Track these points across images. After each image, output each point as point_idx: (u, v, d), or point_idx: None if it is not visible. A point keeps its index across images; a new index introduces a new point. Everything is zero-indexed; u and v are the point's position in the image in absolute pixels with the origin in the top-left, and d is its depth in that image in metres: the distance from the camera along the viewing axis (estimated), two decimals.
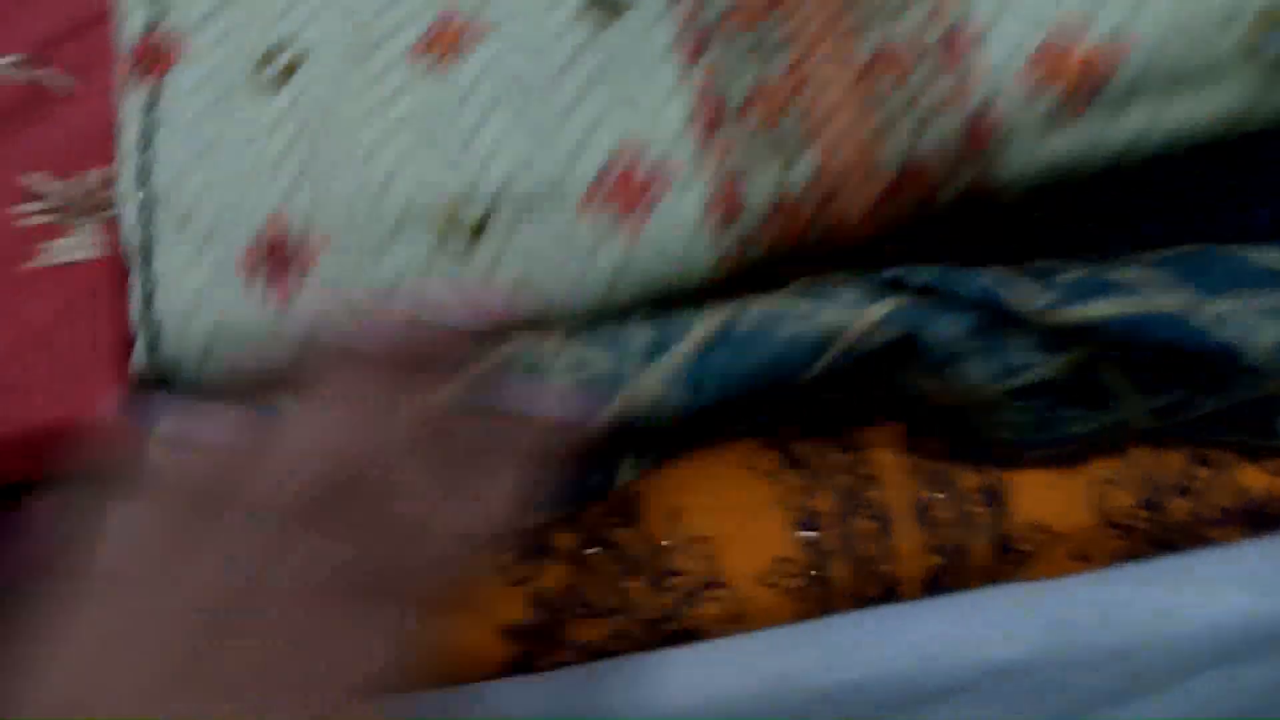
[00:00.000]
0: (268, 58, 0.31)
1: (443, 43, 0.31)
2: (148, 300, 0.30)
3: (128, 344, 0.31)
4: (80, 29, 0.37)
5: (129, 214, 0.31)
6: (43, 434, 0.31)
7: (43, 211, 0.34)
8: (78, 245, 0.33)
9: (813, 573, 0.31)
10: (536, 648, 0.31)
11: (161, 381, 0.30)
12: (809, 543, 0.31)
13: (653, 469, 0.31)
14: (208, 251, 0.30)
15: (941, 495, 0.31)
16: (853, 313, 0.27)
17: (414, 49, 0.31)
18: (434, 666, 0.29)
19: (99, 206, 0.33)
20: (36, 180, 0.34)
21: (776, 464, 0.32)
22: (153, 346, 0.30)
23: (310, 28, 0.32)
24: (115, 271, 0.32)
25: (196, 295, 0.30)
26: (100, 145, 0.34)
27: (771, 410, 0.31)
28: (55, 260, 0.33)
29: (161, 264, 0.30)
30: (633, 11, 0.30)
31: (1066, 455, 0.31)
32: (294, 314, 0.29)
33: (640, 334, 0.29)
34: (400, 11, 0.32)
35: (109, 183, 0.33)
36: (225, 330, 0.29)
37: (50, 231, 0.33)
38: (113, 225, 0.33)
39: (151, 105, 0.32)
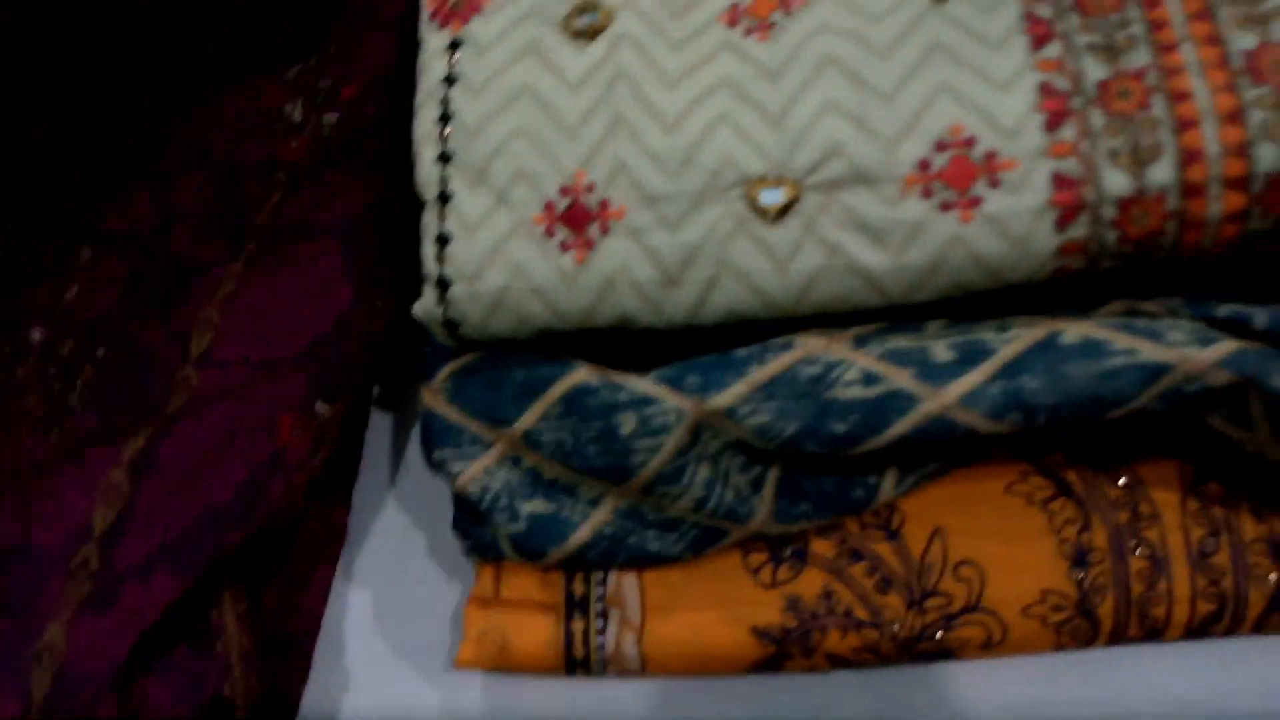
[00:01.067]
0: (578, 10, 0.31)
1: (759, 11, 0.30)
2: (441, 249, 0.29)
3: None
4: None
5: (425, 160, 0.30)
6: None
7: None
8: None
9: (1081, 608, 0.30)
10: (787, 651, 0.30)
11: (448, 327, 0.30)
12: (1079, 577, 0.30)
13: (917, 485, 0.30)
14: (505, 206, 0.29)
15: (1221, 541, 0.30)
16: (1186, 351, 0.25)
17: (728, 13, 0.30)
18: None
19: None
20: None
21: (1048, 491, 0.31)
22: (442, 295, 0.29)
23: None
24: None
25: (492, 249, 0.29)
26: None
27: (1049, 436, 0.30)
28: None
29: (457, 215, 0.30)
30: None
31: None
32: (589, 272, 0.28)
33: (940, 349, 0.28)
34: None
35: None
36: (518, 285, 0.29)
37: None
38: None
39: (453, 51, 0.31)
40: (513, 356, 0.30)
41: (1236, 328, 0.26)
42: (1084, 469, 0.31)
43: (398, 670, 0.34)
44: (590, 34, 0.31)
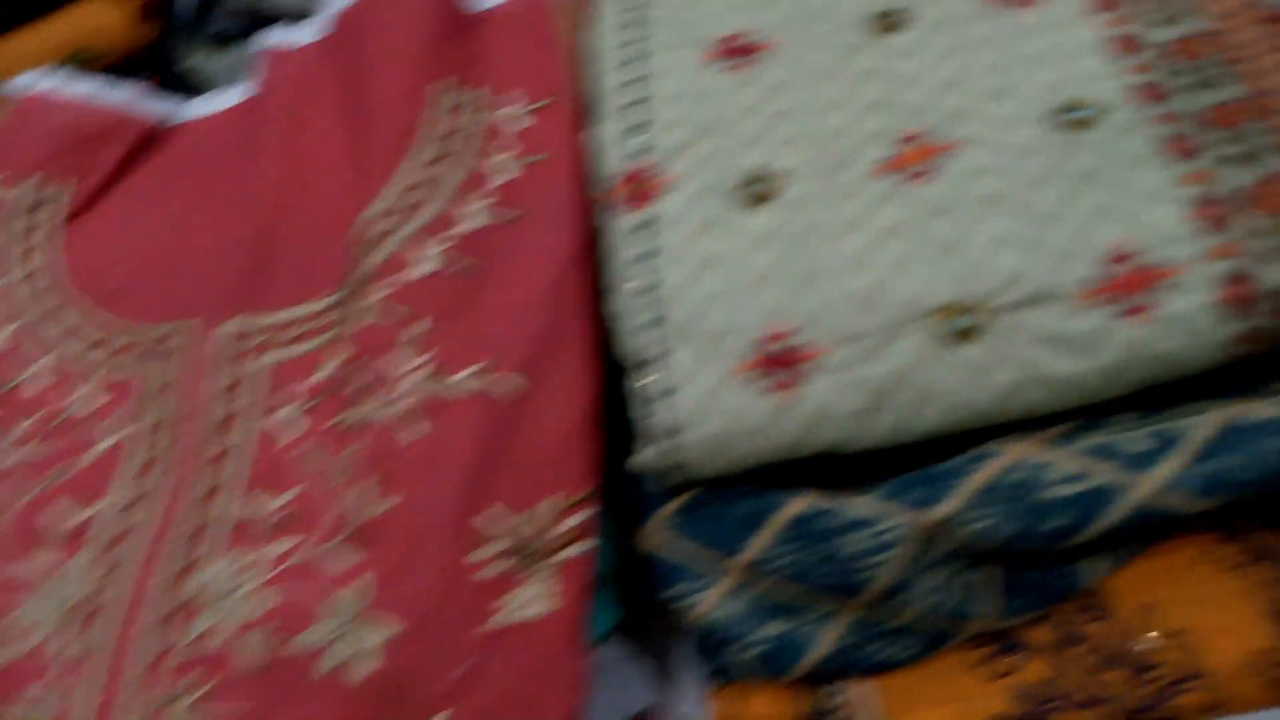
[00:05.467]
0: (748, 180, 0.35)
1: (912, 160, 0.34)
2: (664, 400, 0.33)
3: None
4: (533, 332, 0.37)
5: (634, 325, 0.34)
6: None
7: (499, 556, 0.34)
8: (536, 597, 0.33)
9: None
10: None
11: (667, 472, 0.33)
12: None
13: (1124, 563, 0.33)
14: (713, 358, 0.33)
15: None
16: None
17: (883, 165, 0.34)
18: None
19: (552, 548, 0.34)
20: (489, 518, 0.34)
21: (1244, 555, 0.33)
22: (667, 443, 0.33)
23: (781, 153, 0.35)
24: (572, 629, 0.32)
25: (708, 396, 0.33)
26: (554, 472, 0.35)
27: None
28: (514, 618, 0.33)
29: (671, 371, 0.33)
30: (1104, 119, 0.33)
31: None
32: (799, 408, 0.32)
33: (1138, 439, 0.30)
34: (862, 133, 0.35)
35: (560, 516, 0.34)
36: (734, 427, 0.32)
37: (506, 583, 0.33)
38: (569, 570, 0.33)
39: (644, 229, 0.35)
40: (732, 490, 0.34)
41: None
42: (1273, 530, 0.33)
43: None
44: (762, 199, 0.35)
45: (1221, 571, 0.33)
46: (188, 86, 0.62)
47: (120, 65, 0.61)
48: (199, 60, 0.61)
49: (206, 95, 0.52)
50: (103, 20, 0.58)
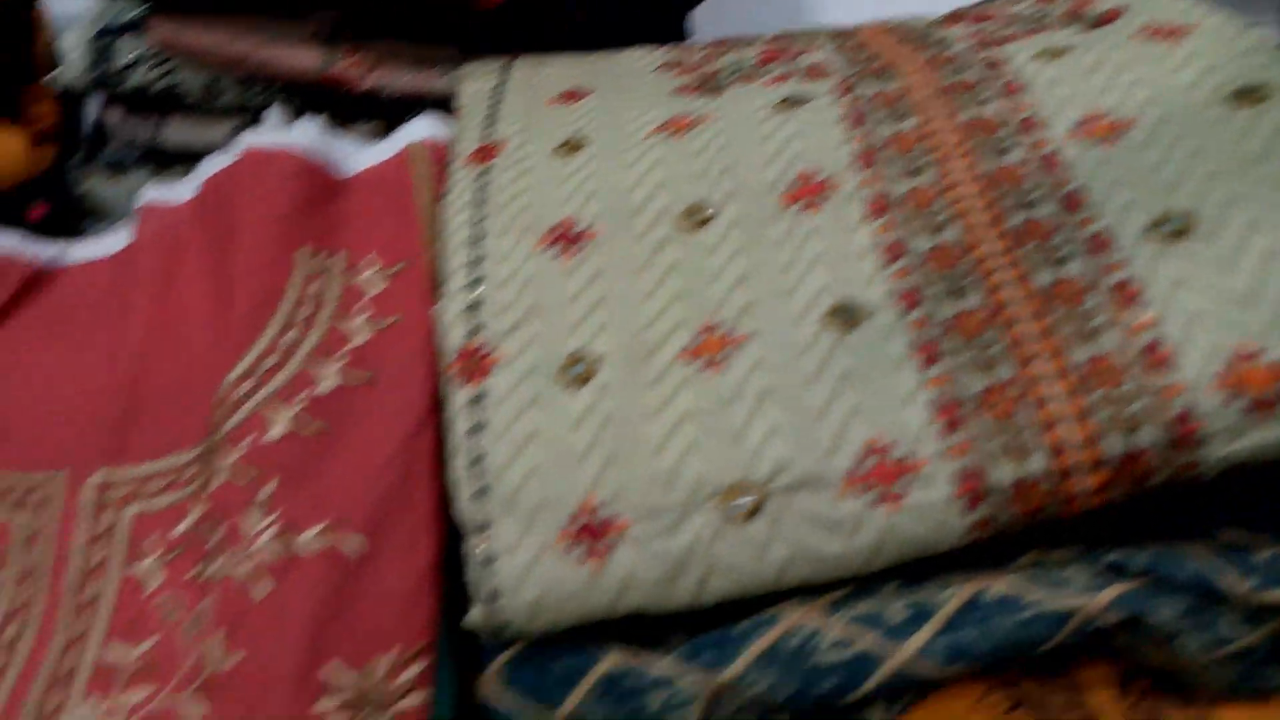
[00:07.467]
0: (570, 362, 0.39)
1: (709, 349, 0.38)
2: (486, 568, 0.36)
3: None
4: (378, 494, 0.40)
5: (464, 496, 0.38)
6: None
7: (340, 708, 0.36)
8: None
9: None
10: None
11: (493, 631, 0.36)
12: None
13: (902, 711, 0.37)
14: (533, 528, 0.37)
15: None
16: (1084, 598, 0.32)
17: (685, 353, 0.38)
18: None
19: (390, 700, 0.37)
20: (331, 671, 0.37)
21: (1007, 704, 0.37)
22: (489, 607, 0.36)
23: (599, 338, 0.39)
24: None
25: (527, 564, 0.36)
26: (392, 627, 0.38)
27: None
28: None
29: (495, 539, 0.37)
30: (869, 321, 0.37)
31: None
32: (607, 577, 0.35)
33: (896, 610, 0.34)
34: (668, 322, 0.39)
35: (398, 669, 0.37)
36: (551, 592, 0.36)
37: None
38: (406, 719, 0.36)
39: (476, 404, 0.39)
40: (554, 647, 0.37)
41: (1121, 570, 0.33)
42: (1035, 679, 0.37)
43: None
44: (582, 381, 0.39)
45: (992, 718, 0.37)
46: (82, 212, 0.65)
47: (14, 191, 0.64)
48: (94, 186, 0.64)
49: (90, 239, 0.55)
50: None
